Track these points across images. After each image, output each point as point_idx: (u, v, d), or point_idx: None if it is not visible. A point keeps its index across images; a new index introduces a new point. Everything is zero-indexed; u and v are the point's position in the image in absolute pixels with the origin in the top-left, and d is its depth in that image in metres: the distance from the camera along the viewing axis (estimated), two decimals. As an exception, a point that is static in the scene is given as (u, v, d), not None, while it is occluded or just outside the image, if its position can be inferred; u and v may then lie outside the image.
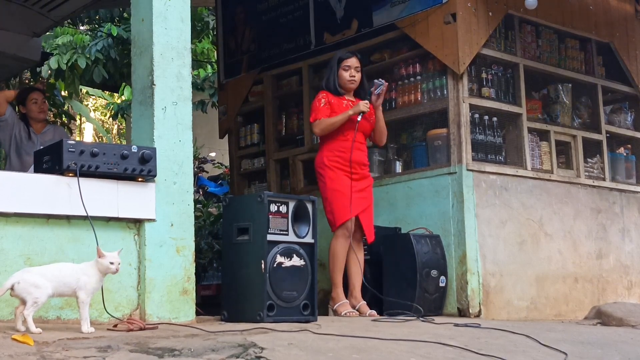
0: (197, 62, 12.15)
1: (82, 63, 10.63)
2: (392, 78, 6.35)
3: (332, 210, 5.34)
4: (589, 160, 6.81)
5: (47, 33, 10.71)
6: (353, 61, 5.52)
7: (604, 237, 6.69)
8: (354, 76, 5.50)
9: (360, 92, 5.58)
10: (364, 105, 5.36)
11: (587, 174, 6.70)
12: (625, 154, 7.40)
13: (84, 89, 13.95)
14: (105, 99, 15.34)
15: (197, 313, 4.39)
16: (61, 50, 10.74)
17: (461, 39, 5.78)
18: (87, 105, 17.71)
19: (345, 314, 5.19)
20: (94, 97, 17.21)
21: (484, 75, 6.11)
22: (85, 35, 11.68)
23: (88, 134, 19.86)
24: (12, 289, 3.35)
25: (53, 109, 11.14)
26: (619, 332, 4.80)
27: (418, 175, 5.97)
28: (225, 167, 11.52)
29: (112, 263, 3.54)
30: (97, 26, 11.92)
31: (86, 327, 3.47)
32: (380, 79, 5.54)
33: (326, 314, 5.37)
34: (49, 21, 7.65)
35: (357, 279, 5.39)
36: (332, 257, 5.35)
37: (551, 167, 6.40)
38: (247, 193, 7.45)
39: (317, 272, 4.69)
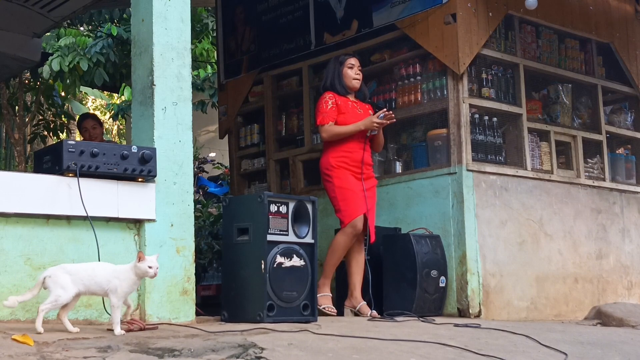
0: (197, 62, 12.14)
1: (84, 66, 10.60)
2: (392, 78, 6.36)
3: (340, 209, 5.35)
4: (589, 160, 6.80)
5: (49, 34, 10.71)
6: (355, 60, 5.60)
7: (604, 237, 6.69)
8: (359, 74, 5.57)
9: (360, 95, 5.66)
10: (376, 123, 5.35)
11: (587, 174, 6.70)
12: (625, 154, 7.39)
13: (83, 89, 13.93)
14: (103, 99, 15.31)
15: (197, 313, 4.40)
16: (63, 52, 10.71)
17: (461, 39, 5.78)
18: (86, 105, 17.68)
19: (324, 308, 5.17)
20: (93, 98, 17.19)
21: (484, 75, 6.10)
22: (87, 37, 11.65)
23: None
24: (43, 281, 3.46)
25: (52, 109, 11.14)
26: (619, 332, 4.80)
27: (418, 175, 5.96)
28: (225, 167, 11.50)
29: (150, 267, 3.56)
30: (97, 26, 11.90)
31: (118, 330, 3.49)
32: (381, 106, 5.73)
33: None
34: (49, 21, 7.64)
35: (357, 279, 5.39)
36: (332, 250, 5.34)
37: (551, 168, 6.40)
38: (247, 193, 7.45)
39: (317, 272, 4.70)
